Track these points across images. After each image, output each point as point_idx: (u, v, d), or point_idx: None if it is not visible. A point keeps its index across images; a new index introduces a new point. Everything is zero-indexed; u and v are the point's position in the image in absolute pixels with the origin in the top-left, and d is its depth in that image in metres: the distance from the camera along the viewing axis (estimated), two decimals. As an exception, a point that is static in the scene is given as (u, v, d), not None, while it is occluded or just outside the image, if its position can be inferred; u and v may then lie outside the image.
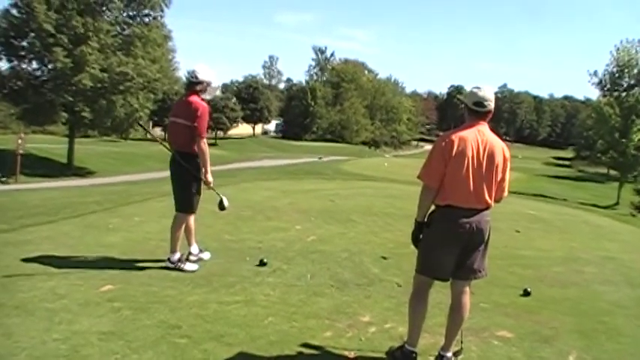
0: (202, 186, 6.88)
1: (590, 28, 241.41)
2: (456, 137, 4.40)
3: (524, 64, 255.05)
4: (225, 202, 7.20)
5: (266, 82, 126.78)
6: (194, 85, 6.81)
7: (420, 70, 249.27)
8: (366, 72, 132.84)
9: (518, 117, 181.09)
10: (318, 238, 9.11)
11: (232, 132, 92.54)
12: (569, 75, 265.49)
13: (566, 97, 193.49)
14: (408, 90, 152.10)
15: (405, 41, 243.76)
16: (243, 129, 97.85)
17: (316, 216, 11.01)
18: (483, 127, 4.50)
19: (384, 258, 7.99)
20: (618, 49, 51.87)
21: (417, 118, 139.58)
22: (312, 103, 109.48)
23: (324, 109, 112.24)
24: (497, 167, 4.45)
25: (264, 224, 9.97)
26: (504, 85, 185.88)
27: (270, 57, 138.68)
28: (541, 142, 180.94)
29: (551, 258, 9.06)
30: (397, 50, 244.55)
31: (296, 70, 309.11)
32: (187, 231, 7.03)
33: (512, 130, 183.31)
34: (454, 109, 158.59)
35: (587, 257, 9.34)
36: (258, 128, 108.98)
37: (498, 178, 4.49)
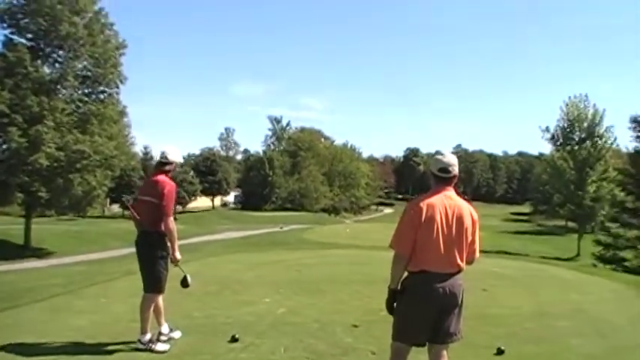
0: (169, 263, 6.83)
1: (540, 83, 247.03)
2: (424, 204, 4.51)
3: (477, 122, 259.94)
4: (189, 279, 7.13)
5: (223, 153, 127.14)
6: (164, 165, 6.90)
7: (376, 134, 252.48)
8: (323, 139, 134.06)
9: (474, 176, 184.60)
10: (288, 309, 9.05)
11: (191, 205, 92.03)
12: (522, 131, 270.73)
13: (520, 154, 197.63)
14: (365, 155, 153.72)
15: (358, 107, 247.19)
16: (201, 202, 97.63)
17: (284, 287, 10.96)
18: (450, 192, 4.66)
19: (355, 326, 7.95)
20: (567, 104, 53.83)
21: (375, 183, 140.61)
22: (271, 173, 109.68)
23: (283, 178, 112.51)
24: (466, 230, 4.59)
25: (232, 298, 9.89)
26: (459, 145, 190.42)
27: (227, 129, 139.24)
28: (498, 198, 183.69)
29: (520, 315, 9.11)
30: (352, 116, 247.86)
31: (253, 140, 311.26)
32: (156, 311, 6.94)
33: (469, 189, 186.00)
34: (411, 172, 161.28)
35: (556, 311, 9.40)
36: (217, 200, 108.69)
37: (468, 241, 4.63)
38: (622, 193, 41.93)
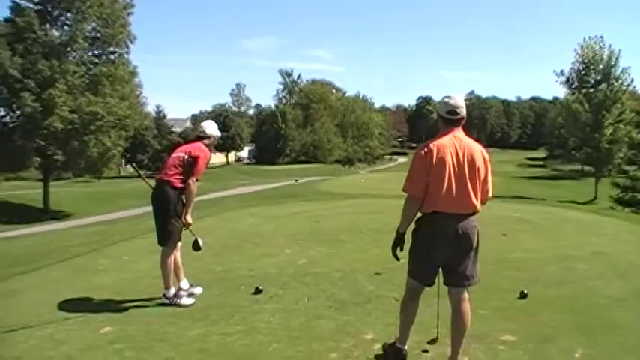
0: (181, 219, 6.84)
1: (553, 28, 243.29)
2: (434, 146, 4.54)
3: (489, 69, 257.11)
4: (200, 242, 7.19)
5: (235, 109, 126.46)
6: (202, 139, 7.10)
7: (387, 84, 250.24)
8: (334, 91, 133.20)
9: (488, 122, 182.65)
10: (309, 260, 9.11)
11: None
12: (535, 76, 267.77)
13: (533, 99, 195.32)
14: (377, 105, 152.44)
15: (369, 57, 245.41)
16: (216, 158, 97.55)
17: (304, 238, 11.02)
18: (459, 134, 4.68)
19: (378, 274, 7.99)
20: (582, 46, 52.44)
21: (388, 132, 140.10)
22: (283, 127, 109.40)
23: (296, 131, 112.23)
24: (478, 170, 4.59)
25: (253, 251, 9.95)
26: (472, 92, 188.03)
27: (238, 84, 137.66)
28: (513, 144, 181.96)
29: (542, 258, 9.10)
30: (362, 66, 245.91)
31: (264, 95, 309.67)
32: (175, 266, 7.01)
33: (483, 135, 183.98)
34: (424, 120, 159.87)
35: (577, 254, 9.39)
36: (232, 156, 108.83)
37: (481, 180, 4.63)
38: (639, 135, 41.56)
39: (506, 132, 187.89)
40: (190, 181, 6.68)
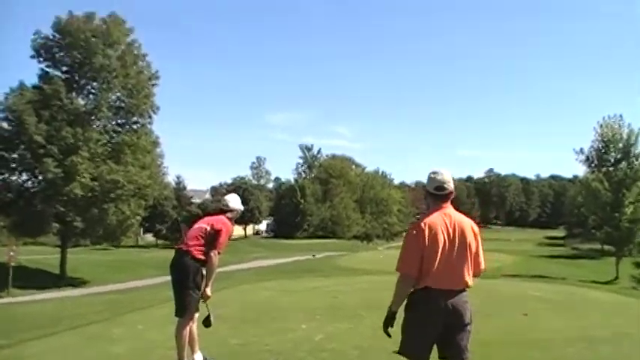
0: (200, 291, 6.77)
1: (573, 105, 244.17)
2: (425, 224, 4.57)
3: (507, 147, 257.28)
4: (212, 319, 7.10)
5: (255, 182, 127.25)
6: (225, 212, 7.11)
7: (406, 161, 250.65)
8: (354, 167, 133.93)
9: (507, 200, 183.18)
10: (326, 336, 8.95)
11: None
12: (554, 155, 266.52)
13: (552, 177, 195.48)
14: (397, 181, 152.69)
15: (388, 134, 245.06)
16: (234, 230, 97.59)
17: (321, 314, 10.89)
18: (448, 209, 4.72)
19: (397, 352, 7.81)
20: (602, 125, 52.53)
21: (407, 209, 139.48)
22: (302, 201, 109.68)
23: (315, 205, 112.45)
24: (469, 245, 4.61)
25: (269, 325, 9.81)
26: (491, 170, 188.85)
27: (258, 157, 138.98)
28: (532, 223, 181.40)
29: (564, 339, 8.89)
30: (382, 143, 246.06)
31: (284, 169, 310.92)
32: (190, 338, 6.89)
33: (502, 213, 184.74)
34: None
35: (600, 335, 9.18)
36: (250, 229, 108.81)
37: (473, 254, 4.64)
38: None
39: (525, 210, 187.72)
40: (212, 254, 6.64)
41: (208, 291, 6.72)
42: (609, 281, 43.92)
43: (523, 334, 9.08)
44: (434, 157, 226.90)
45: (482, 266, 4.74)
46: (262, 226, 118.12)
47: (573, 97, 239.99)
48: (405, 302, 4.64)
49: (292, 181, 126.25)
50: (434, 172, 4.78)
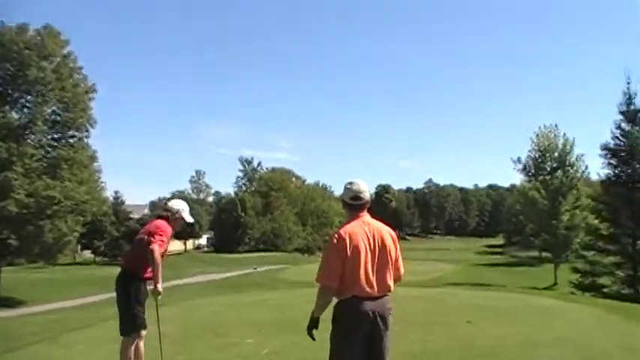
0: (144, 305, 6.69)
1: (507, 115, 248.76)
2: (346, 233, 4.70)
3: (446, 158, 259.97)
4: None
5: (194, 196, 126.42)
6: (164, 217, 7.02)
7: (347, 172, 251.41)
8: (294, 179, 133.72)
9: (446, 210, 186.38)
10: (273, 350, 8.93)
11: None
12: (491, 165, 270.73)
13: (490, 186, 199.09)
14: (337, 193, 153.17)
15: (327, 146, 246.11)
16: (174, 246, 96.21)
17: (267, 327, 10.85)
18: (366, 217, 4.90)
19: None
20: (538, 135, 54.11)
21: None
22: (243, 214, 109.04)
23: (255, 219, 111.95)
24: (389, 251, 4.80)
25: (215, 341, 9.73)
26: (430, 180, 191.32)
27: (197, 171, 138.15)
28: (471, 232, 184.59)
29: (507, 345, 9.06)
30: (322, 155, 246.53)
31: (224, 182, 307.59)
32: (137, 356, 6.79)
33: (441, 223, 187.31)
34: (383, 208, 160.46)
35: (542, 340, 9.38)
36: (190, 244, 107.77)
37: (393, 260, 4.84)
38: (596, 221, 42.00)
39: (464, 219, 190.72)
40: (152, 247, 6.43)
41: (159, 286, 6.57)
42: (548, 287, 44.96)
43: (469, 342, 9.23)
44: (374, 167, 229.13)
45: (402, 271, 4.95)
46: (203, 241, 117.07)
47: (509, 105, 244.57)
48: (331, 312, 4.71)
49: (232, 194, 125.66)
50: (350, 183, 4.98)
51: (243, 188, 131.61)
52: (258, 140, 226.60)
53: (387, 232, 4.89)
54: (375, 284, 4.63)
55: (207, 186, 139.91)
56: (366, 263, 4.61)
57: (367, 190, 4.97)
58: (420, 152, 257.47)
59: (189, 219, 7.27)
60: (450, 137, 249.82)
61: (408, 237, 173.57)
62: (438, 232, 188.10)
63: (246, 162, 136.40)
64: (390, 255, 4.80)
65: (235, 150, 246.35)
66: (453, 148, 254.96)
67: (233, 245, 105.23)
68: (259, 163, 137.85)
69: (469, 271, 54.38)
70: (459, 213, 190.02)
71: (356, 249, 4.60)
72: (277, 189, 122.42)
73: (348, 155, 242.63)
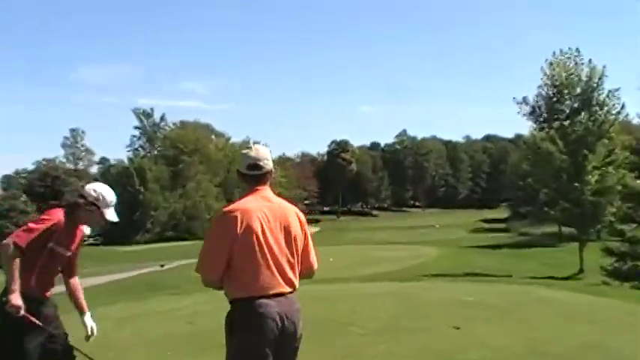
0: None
1: (511, 43, 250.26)
2: (237, 211, 4.80)
3: (426, 100, 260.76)
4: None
5: (70, 166, 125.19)
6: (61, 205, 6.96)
7: (287, 126, 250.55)
8: (214, 137, 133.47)
9: (427, 173, 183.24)
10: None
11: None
12: (489, 108, 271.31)
13: (488, 138, 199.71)
14: (275, 154, 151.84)
15: (260, 91, 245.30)
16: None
17: (173, 347, 10.78)
18: (266, 192, 5.06)
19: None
20: (552, 64, 51.32)
21: (290, 192, 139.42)
22: (142, 189, 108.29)
23: (160, 195, 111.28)
24: (295, 237, 4.93)
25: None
26: (404, 132, 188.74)
27: (73, 131, 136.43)
28: (462, 202, 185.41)
29: (509, 358, 9.10)
30: (254, 104, 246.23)
31: (112, 145, 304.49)
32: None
33: (421, 191, 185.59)
34: (339, 173, 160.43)
35: (557, 350, 9.43)
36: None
37: (299, 249, 4.98)
38: (638, 181, 41.35)
39: (452, 185, 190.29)
40: (5, 241, 6.21)
41: (14, 298, 6.27)
42: (571, 276, 44.36)
43: (453, 354, 9.30)
44: (325, 117, 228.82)
45: (313, 262, 5.15)
46: (85, 229, 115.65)
47: (512, 32, 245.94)
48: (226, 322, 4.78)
49: (126, 161, 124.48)
50: (246, 148, 5.13)
51: (141, 152, 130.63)
52: (159, 84, 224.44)
53: (293, 212, 5.01)
54: (276, 279, 4.69)
55: (87, 151, 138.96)
56: (263, 251, 4.66)
57: (269, 158, 5.08)
58: (388, 95, 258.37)
59: (112, 217, 6.97)
60: (430, 73, 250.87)
61: (375, 212, 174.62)
62: (417, 203, 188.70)
63: (144, 115, 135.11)
64: (296, 241, 4.89)
65: (127, 98, 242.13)
66: (435, 87, 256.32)
67: (129, 234, 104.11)
68: (163, 116, 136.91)
69: (459, 257, 54.47)
70: (444, 176, 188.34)
71: (249, 231, 4.65)
72: (190, 151, 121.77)
73: (287, 103, 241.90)
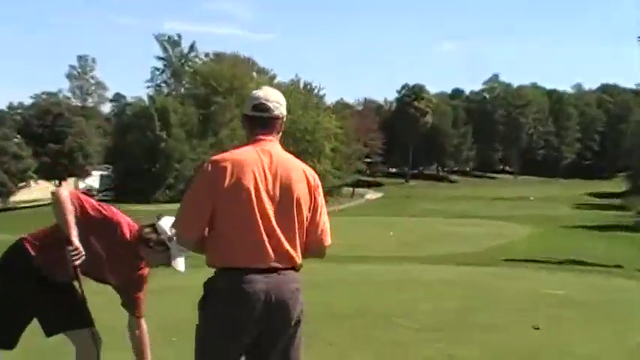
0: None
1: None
2: (226, 161, 4.88)
3: (523, 38, 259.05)
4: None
5: (76, 102, 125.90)
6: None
7: (347, 66, 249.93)
8: (255, 74, 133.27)
9: (522, 132, 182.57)
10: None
11: (21, 197, 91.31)
12: (604, 47, 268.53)
13: (604, 88, 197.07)
14: (331, 99, 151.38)
15: (317, 21, 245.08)
16: (40, 191, 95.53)
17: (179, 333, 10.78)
18: (270, 144, 5.00)
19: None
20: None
21: (348, 148, 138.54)
22: (164, 135, 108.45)
23: (187, 143, 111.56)
24: (298, 201, 4.83)
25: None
26: (494, 77, 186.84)
27: (81, 58, 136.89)
28: (567, 169, 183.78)
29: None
30: (306, 35, 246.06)
31: (129, 78, 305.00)
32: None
33: (514, 153, 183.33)
34: (411, 126, 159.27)
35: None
36: (69, 186, 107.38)
37: (303, 218, 4.88)
38: None
39: (554, 147, 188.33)
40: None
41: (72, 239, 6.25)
42: None
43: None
44: (396, 56, 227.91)
45: (326, 239, 5.09)
46: (93, 181, 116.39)
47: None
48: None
49: (145, 100, 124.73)
50: (257, 90, 5.09)
51: (165, 90, 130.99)
52: (189, 3, 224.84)
53: (301, 172, 4.94)
54: (269, 250, 4.62)
55: (98, 84, 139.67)
56: (252, 211, 4.63)
57: (281, 103, 5.06)
58: (475, 30, 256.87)
59: (181, 267, 6.88)
60: (530, 3, 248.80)
61: (453, 177, 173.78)
62: (507, 168, 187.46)
63: (169, 42, 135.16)
64: (300, 207, 4.81)
65: (150, 20, 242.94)
66: (536, 23, 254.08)
67: (148, 190, 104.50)
68: (192, 45, 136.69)
69: (556, 239, 53.70)
70: (545, 136, 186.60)
71: (238, 188, 4.64)
72: (225, 91, 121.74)
73: (348, 37, 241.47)
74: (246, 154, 4.84)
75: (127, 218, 6.72)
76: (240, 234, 4.62)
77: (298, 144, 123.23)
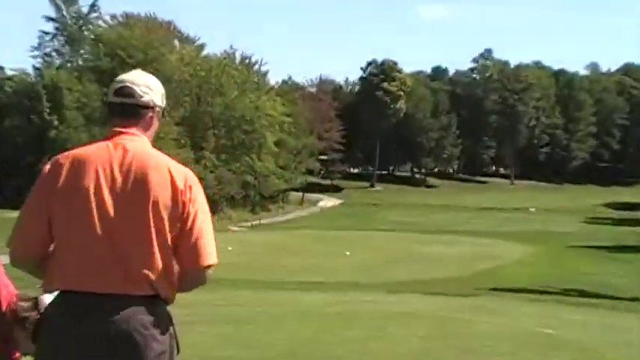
0: None
1: None
2: (68, 158, 4.77)
3: (524, 3, 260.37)
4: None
5: None
6: None
7: (299, 34, 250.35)
8: (177, 43, 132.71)
9: (522, 121, 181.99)
10: None
11: None
12: (631, 19, 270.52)
13: (626, 70, 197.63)
14: (275, 78, 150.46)
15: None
16: None
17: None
18: (128, 138, 4.84)
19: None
20: None
21: (298, 141, 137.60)
22: (55, 121, 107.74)
23: (85, 131, 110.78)
24: (156, 207, 4.59)
25: None
26: (487, 52, 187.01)
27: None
28: (578, 172, 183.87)
29: None
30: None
31: (9, 45, 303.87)
32: None
33: (511, 151, 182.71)
34: (379, 112, 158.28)
35: None
36: None
37: (166, 229, 4.62)
38: None
39: (563, 143, 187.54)
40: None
41: None
42: None
43: None
44: (362, 25, 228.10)
45: (204, 257, 4.73)
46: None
47: None
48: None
49: (31, 73, 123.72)
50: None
51: (57, 61, 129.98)
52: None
53: (164, 170, 4.71)
54: (109, 269, 4.46)
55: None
56: (92, 223, 4.49)
57: (152, 88, 5.02)
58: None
59: None
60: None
61: (433, 180, 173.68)
62: (503, 170, 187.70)
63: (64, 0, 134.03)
64: (160, 214, 4.57)
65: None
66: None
67: (25, 190, 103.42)
68: (94, 3, 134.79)
69: (560, 261, 54.05)
70: (551, 128, 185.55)
71: (76, 191, 4.56)
72: (138, 64, 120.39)
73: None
74: (92, 150, 4.75)
75: (5, 280, 5.99)
76: (74, 246, 4.53)
77: (232, 135, 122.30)
